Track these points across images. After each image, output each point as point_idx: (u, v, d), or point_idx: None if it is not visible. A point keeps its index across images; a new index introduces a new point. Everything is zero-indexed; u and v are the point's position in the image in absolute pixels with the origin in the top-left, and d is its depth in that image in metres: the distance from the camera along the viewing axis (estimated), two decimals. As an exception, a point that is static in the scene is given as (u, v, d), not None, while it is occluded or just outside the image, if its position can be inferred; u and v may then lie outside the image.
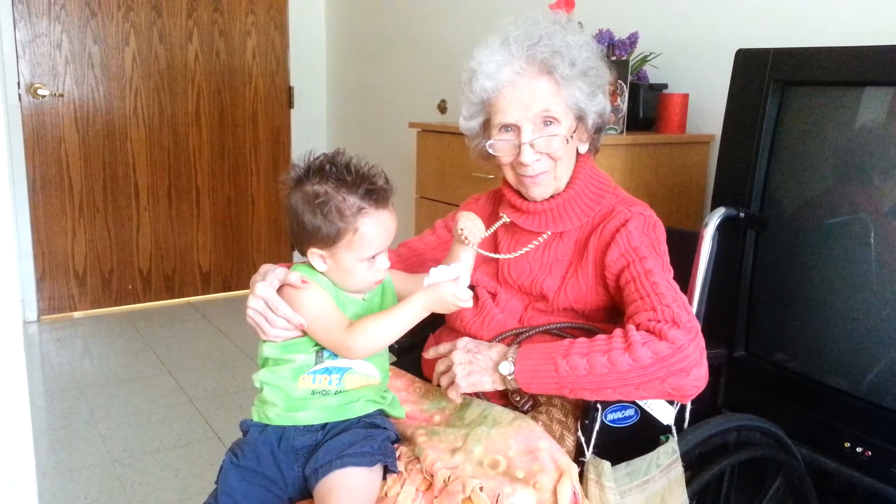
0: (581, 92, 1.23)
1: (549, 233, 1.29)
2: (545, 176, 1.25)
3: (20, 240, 3.53)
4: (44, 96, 3.52)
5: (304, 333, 1.13)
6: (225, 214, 4.09)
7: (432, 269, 1.11)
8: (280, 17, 4.05)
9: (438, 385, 1.22)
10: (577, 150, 1.30)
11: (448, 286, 1.09)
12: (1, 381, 1.73)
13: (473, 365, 1.17)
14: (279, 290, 1.13)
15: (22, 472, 1.79)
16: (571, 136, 1.25)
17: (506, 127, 1.24)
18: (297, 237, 1.15)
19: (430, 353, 1.25)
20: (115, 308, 3.84)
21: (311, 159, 1.12)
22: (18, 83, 3.46)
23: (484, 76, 1.23)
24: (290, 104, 4.18)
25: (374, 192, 1.10)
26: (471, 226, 1.18)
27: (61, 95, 3.57)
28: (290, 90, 4.16)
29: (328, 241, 1.10)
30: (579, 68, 1.22)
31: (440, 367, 1.21)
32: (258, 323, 1.13)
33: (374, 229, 1.10)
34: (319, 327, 1.12)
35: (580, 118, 1.26)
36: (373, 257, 1.12)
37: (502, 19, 1.26)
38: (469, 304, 1.12)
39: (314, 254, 1.13)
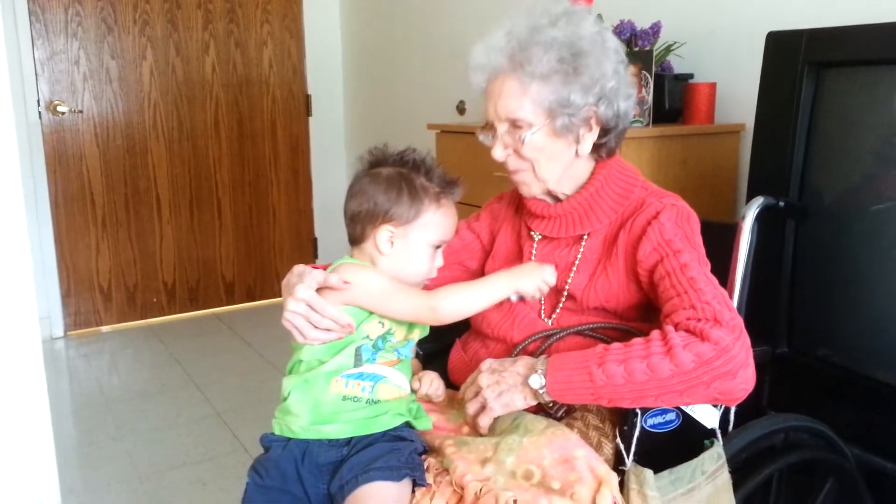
0: (552, 91, 1.13)
1: (587, 235, 1.22)
2: (524, 174, 1.21)
3: (45, 256, 3.55)
4: (63, 113, 3.53)
5: (345, 335, 1.10)
6: (246, 224, 4.08)
7: None
8: (295, 26, 4.04)
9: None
10: (577, 152, 1.19)
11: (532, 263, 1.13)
12: (23, 401, 1.72)
13: (501, 385, 1.10)
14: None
15: (46, 492, 1.78)
16: (551, 134, 1.16)
17: (488, 123, 1.21)
18: (363, 219, 1.13)
19: (467, 396, 1.14)
20: (141, 322, 3.85)
21: (387, 150, 1.17)
22: (38, 101, 3.47)
23: (471, 68, 1.21)
24: (308, 112, 4.16)
25: (450, 183, 1.17)
26: (435, 386, 1.18)
27: (80, 111, 3.58)
28: (307, 98, 4.14)
29: (405, 218, 1.12)
30: (554, 66, 1.12)
31: (469, 394, 1.14)
32: (298, 326, 1.09)
33: (448, 215, 1.16)
34: (395, 296, 1.10)
35: (552, 115, 1.15)
36: (438, 247, 1.16)
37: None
38: (553, 281, 1.17)
39: (385, 231, 1.12)
